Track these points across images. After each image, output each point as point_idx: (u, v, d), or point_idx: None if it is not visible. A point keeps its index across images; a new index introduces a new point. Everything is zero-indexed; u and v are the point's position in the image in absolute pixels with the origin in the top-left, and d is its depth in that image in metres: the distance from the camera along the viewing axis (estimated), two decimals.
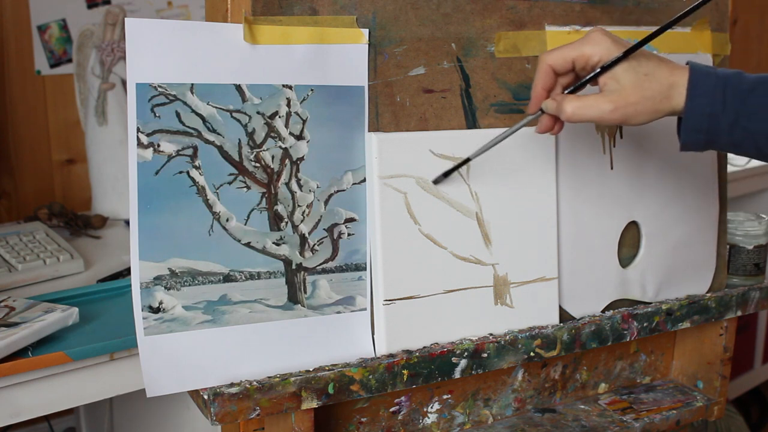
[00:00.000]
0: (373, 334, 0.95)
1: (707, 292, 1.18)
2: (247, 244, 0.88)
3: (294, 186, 0.90)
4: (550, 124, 0.91)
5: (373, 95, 0.93)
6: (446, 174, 0.94)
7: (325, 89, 0.90)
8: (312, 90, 0.90)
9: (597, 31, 0.87)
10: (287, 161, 0.89)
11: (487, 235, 0.99)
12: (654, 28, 0.90)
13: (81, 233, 1.52)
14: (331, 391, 0.89)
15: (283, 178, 0.89)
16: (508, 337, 0.99)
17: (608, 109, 0.85)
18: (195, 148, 0.85)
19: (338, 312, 0.93)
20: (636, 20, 1.08)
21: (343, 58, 0.90)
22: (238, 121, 0.86)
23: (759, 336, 2.57)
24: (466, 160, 0.94)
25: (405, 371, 0.93)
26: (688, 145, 0.88)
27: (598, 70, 0.86)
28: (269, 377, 0.87)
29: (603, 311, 1.09)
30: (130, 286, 0.86)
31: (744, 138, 0.85)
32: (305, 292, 0.91)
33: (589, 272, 1.08)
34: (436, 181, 0.95)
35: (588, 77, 0.87)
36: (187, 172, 0.85)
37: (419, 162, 0.94)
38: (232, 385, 0.85)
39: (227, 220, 0.87)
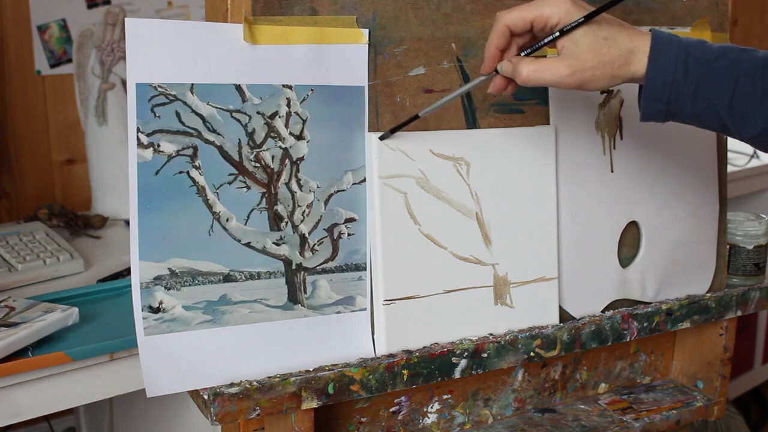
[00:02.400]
0: (373, 334, 0.95)
1: (707, 292, 1.18)
2: (247, 244, 0.88)
3: (294, 186, 0.90)
4: (503, 85, 0.89)
5: (373, 95, 0.93)
6: (393, 130, 0.92)
7: (325, 89, 0.90)
8: (312, 90, 0.90)
9: None
10: (287, 161, 0.89)
11: (487, 235, 0.99)
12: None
13: (81, 233, 1.52)
14: (331, 391, 0.89)
15: (283, 178, 0.89)
16: (508, 337, 0.99)
17: (565, 73, 0.83)
18: (195, 148, 0.85)
19: (338, 312, 0.93)
20: (636, 20, 1.08)
21: (343, 58, 0.90)
22: (238, 121, 0.86)
23: (759, 336, 2.57)
24: (415, 117, 0.91)
25: (405, 371, 0.93)
26: (648, 114, 0.86)
27: (557, 33, 0.83)
28: (269, 377, 0.88)
29: (603, 311, 1.09)
30: (130, 286, 0.86)
31: (706, 108, 0.83)
32: (305, 292, 0.91)
33: (589, 272, 1.08)
34: (382, 137, 0.92)
35: (546, 40, 0.85)
36: (187, 172, 0.85)
37: (419, 162, 0.94)
38: (232, 385, 0.85)
39: (227, 220, 0.87)
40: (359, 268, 0.94)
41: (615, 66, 0.83)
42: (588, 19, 0.82)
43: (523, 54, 0.86)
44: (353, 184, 0.93)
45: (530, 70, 0.84)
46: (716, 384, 1.23)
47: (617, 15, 1.07)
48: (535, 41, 0.87)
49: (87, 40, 1.62)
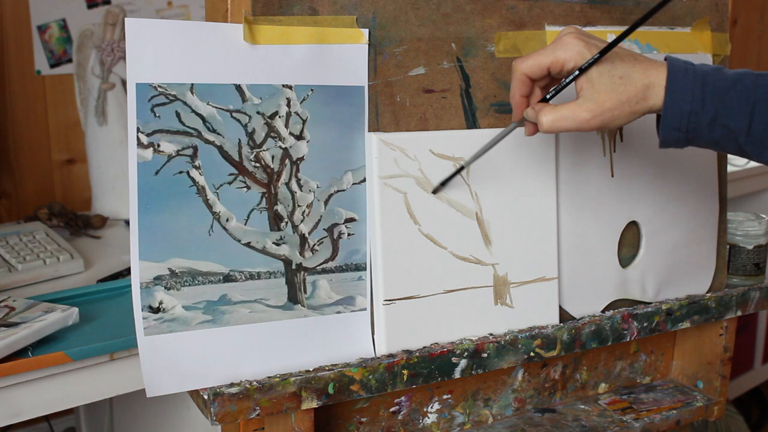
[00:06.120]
0: (373, 334, 0.95)
1: (707, 292, 1.18)
2: (247, 244, 0.88)
3: (294, 186, 0.90)
4: (536, 129, 0.90)
5: (373, 95, 0.93)
6: (444, 183, 0.95)
7: (325, 89, 0.90)
8: (312, 90, 0.90)
9: (569, 34, 0.86)
10: (287, 161, 0.89)
11: (487, 235, 0.99)
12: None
13: (81, 233, 1.52)
14: (331, 391, 0.89)
15: (283, 178, 0.89)
16: (508, 337, 0.99)
17: (585, 118, 0.84)
18: (195, 148, 0.85)
19: (338, 312, 0.93)
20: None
21: (343, 58, 0.90)
22: (238, 121, 0.86)
23: (759, 336, 2.57)
24: (461, 169, 0.94)
25: (405, 371, 0.93)
26: (667, 142, 0.87)
27: (576, 73, 0.84)
28: (269, 377, 0.88)
29: (603, 311, 1.09)
30: (130, 286, 0.86)
31: (724, 135, 0.84)
32: (305, 292, 0.91)
33: (589, 272, 1.08)
34: (435, 191, 0.95)
35: (564, 84, 0.86)
36: (187, 172, 0.85)
37: (419, 162, 0.94)
38: (232, 385, 0.85)
39: (227, 220, 0.87)
40: (359, 268, 0.94)
41: (633, 103, 0.84)
42: (603, 54, 0.84)
43: (548, 96, 0.88)
44: (353, 184, 0.93)
45: (550, 120, 0.85)
46: (716, 384, 1.23)
47: (619, 14, 1.08)
48: (553, 83, 0.88)
49: (87, 40, 1.62)
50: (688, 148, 1.14)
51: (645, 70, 0.85)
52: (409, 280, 0.95)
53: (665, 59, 0.86)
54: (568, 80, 0.86)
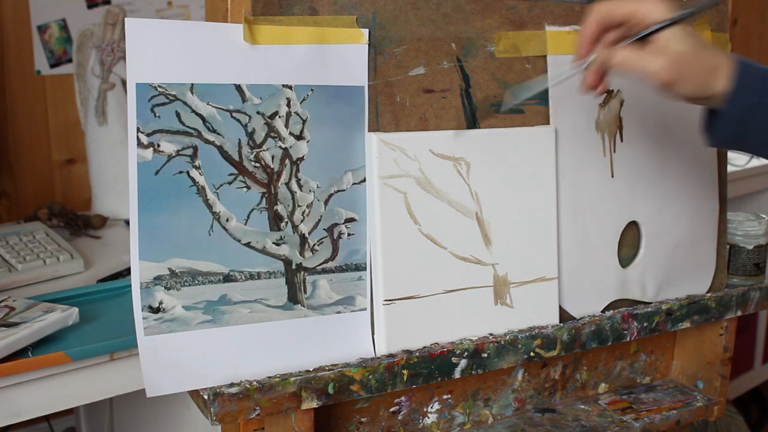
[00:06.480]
0: (373, 334, 0.95)
1: (707, 292, 1.18)
2: (247, 244, 0.88)
3: (294, 186, 0.90)
4: (595, 81, 0.87)
5: (373, 95, 0.93)
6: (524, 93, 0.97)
7: (325, 89, 0.90)
8: (312, 90, 0.90)
9: None
10: (287, 161, 0.89)
11: (487, 235, 0.99)
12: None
13: (81, 233, 1.52)
14: (331, 391, 0.89)
15: (283, 178, 0.89)
16: (508, 337, 0.99)
17: (659, 66, 0.82)
18: (195, 148, 0.85)
19: (338, 312, 0.93)
20: None
21: (343, 58, 0.90)
22: (238, 121, 0.87)
23: (759, 336, 2.57)
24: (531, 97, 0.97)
25: (405, 371, 0.93)
26: (720, 137, 0.86)
27: (668, 21, 0.82)
28: (269, 377, 0.88)
29: (603, 311, 1.09)
30: (130, 286, 0.86)
31: None
32: (305, 292, 0.91)
33: (589, 272, 1.08)
34: (502, 108, 0.96)
35: (651, 30, 0.83)
36: (187, 172, 0.85)
37: (419, 162, 0.94)
38: (232, 385, 0.85)
39: (227, 220, 0.87)
40: (359, 268, 0.94)
41: (707, 74, 0.83)
42: (695, 12, 0.83)
43: (628, 40, 0.85)
44: (353, 184, 0.93)
45: (623, 57, 0.83)
46: (716, 384, 1.23)
47: None
48: (625, 38, 0.85)
49: (87, 40, 1.62)
50: (687, 148, 1.15)
51: (715, 53, 0.84)
52: (409, 280, 0.95)
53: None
54: (656, 27, 0.83)
